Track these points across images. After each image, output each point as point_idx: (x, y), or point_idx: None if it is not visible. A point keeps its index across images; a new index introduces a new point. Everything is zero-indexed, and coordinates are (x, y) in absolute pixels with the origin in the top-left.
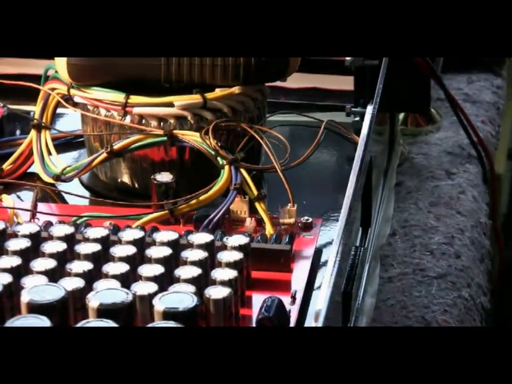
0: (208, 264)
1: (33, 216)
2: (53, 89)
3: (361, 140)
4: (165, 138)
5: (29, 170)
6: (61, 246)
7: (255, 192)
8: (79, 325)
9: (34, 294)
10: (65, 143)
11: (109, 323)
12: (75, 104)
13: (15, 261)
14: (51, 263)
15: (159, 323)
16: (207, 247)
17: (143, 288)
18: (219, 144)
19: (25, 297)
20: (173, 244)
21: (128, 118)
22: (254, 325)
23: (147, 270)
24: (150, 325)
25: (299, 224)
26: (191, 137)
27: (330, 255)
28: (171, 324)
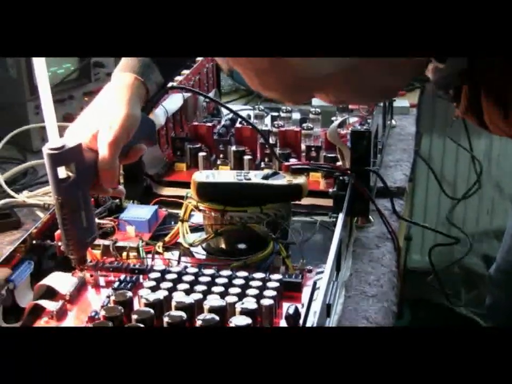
0: (262, 288)
1: (178, 263)
2: (189, 202)
3: (337, 230)
4: (242, 227)
5: (178, 241)
6: (192, 278)
7: (285, 253)
8: (200, 317)
9: (178, 300)
10: (194, 228)
11: (213, 316)
12: (200, 210)
13: (169, 285)
14: (187, 286)
15: (236, 317)
16: (262, 280)
17: (231, 298)
18: (268, 230)
19: (173, 302)
20: (245, 278)
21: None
22: (283, 318)
23: (233, 290)
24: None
25: (306, 269)
26: (255, 227)
27: (321, 285)
28: (243, 317)
